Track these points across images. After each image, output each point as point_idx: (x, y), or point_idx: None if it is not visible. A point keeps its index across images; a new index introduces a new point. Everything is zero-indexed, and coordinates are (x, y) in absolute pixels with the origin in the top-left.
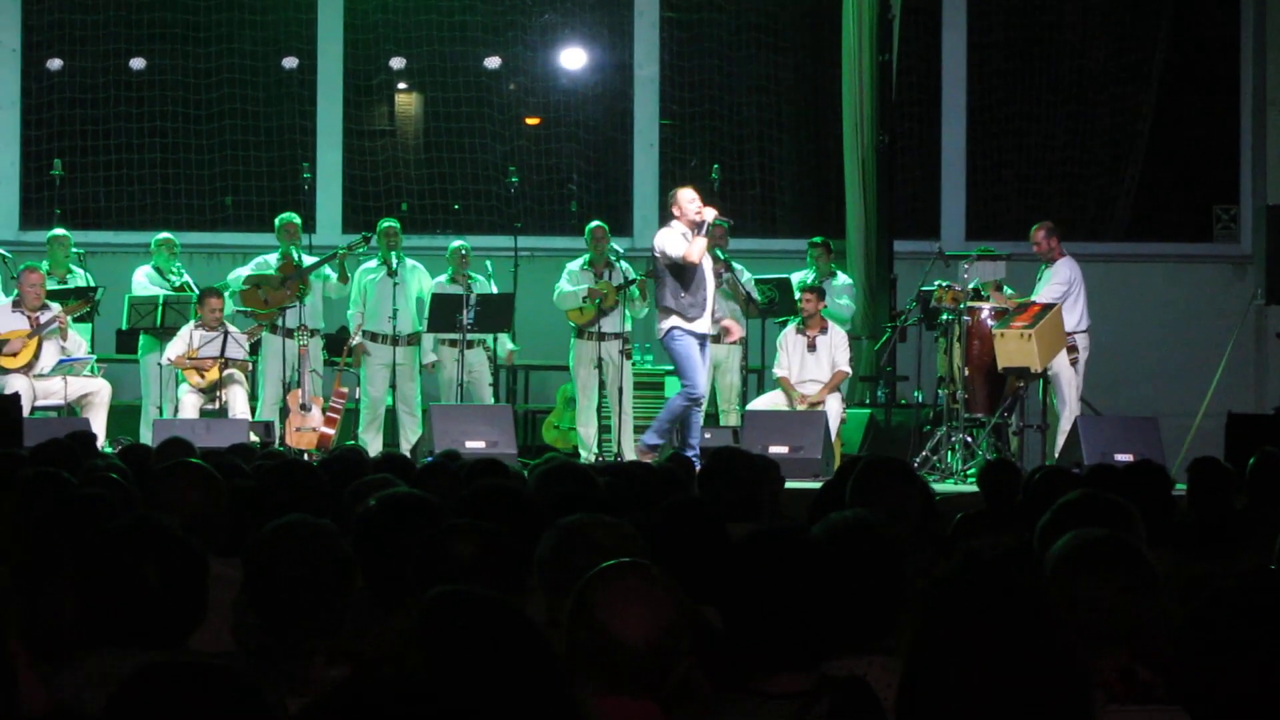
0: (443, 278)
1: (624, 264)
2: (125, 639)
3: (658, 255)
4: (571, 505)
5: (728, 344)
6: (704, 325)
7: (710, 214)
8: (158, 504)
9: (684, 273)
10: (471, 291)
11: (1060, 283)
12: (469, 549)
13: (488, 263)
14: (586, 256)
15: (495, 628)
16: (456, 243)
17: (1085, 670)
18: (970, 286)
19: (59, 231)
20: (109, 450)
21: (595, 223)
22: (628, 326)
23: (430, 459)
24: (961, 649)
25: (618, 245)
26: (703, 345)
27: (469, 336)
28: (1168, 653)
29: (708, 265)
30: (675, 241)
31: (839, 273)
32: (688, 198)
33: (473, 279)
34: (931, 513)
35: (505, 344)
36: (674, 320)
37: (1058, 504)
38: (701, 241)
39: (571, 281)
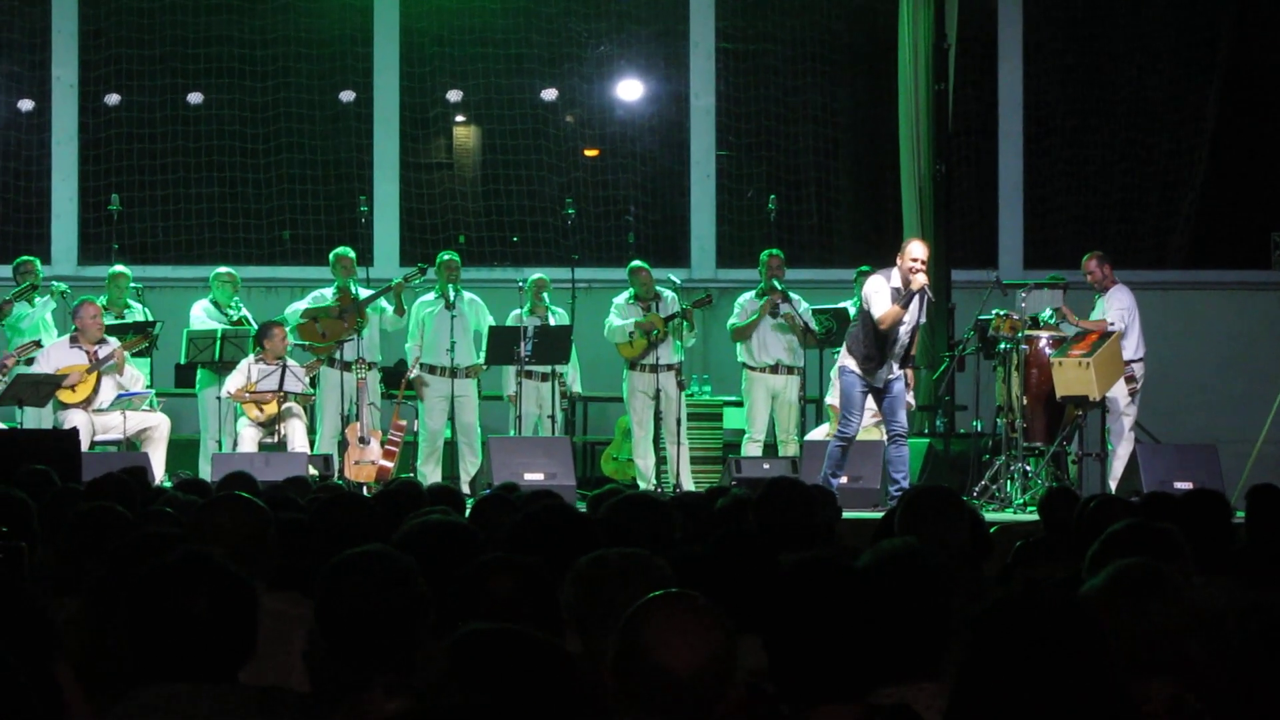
0: (520, 310)
1: (670, 294)
2: (175, 672)
3: (865, 296)
4: (638, 538)
5: (784, 376)
6: (877, 379)
7: (920, 280)
8: (204, 537)
9: (875, 325)
10: (546, 321)
11: (1121, 308)
12: (506, 584)
13: (545, 295)
14: (632, 290)
15: (526, 663)
16: (536, 274)
17: (1130, 699)
18: (1035, 315)
19: (119, 268)
20: (167, 484)
21: (635, 263)
22: (680, 357)
23: (488, 491)
24: (1008, 677)
25: (675, 276)
26: (881, 392)
27: (541, 369)
28: (1217, 681)
29: (905, 324)
30: (880, 299)
31: None
32: (912, 253)
33: (551, 310)
34: (983, 540)
35: (575, 377)
36: (848, 360)
37: (1105, 533)
38: (898, 311)
39: (619, 315)
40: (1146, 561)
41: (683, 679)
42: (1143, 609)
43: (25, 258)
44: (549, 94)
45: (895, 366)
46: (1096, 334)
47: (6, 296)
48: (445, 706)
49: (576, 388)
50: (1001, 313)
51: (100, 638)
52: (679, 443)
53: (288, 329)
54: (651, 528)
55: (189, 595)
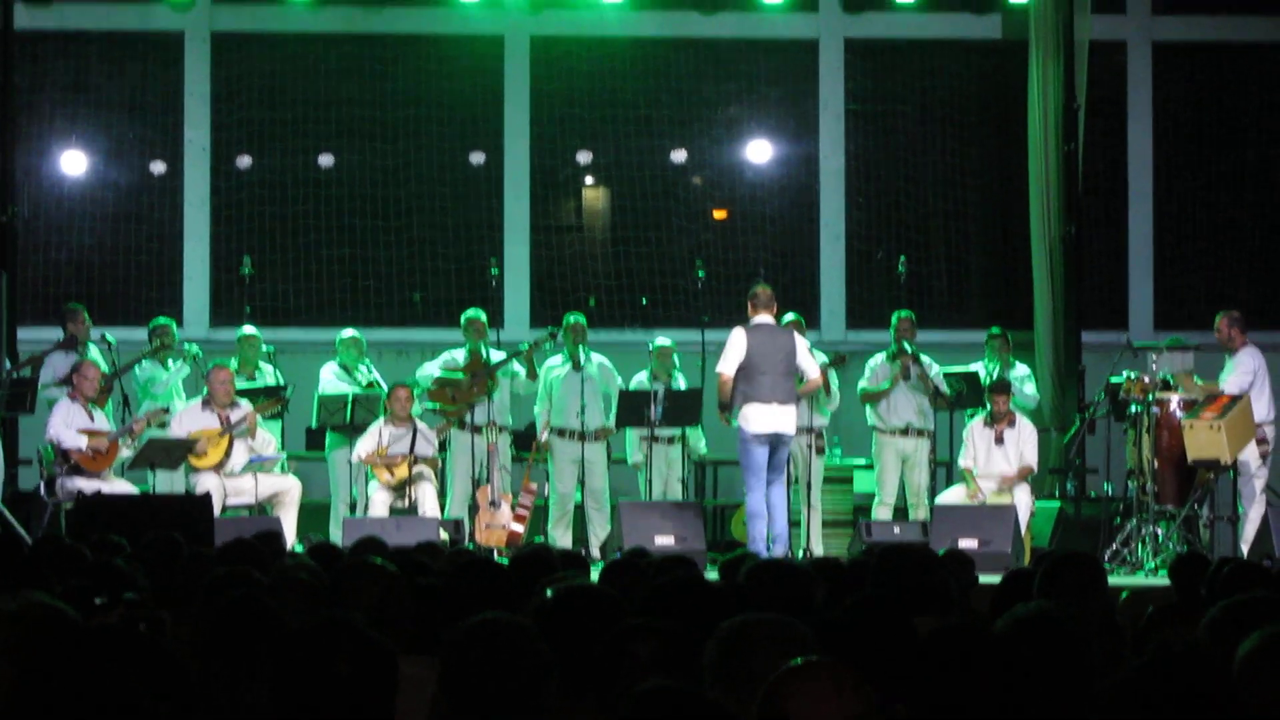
0: (643, 374)
1: (818, 352)
2: None
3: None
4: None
5: (915, 439)
6: None
7: None
8: (342, 601)
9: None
10: (670, 386)
11: (1245, 372)
12: (648, 648)
13: (675, 356)
14: None
15: None
16: (663, 340)
17: None
18: (1159, 377)
19: (250, 331)
20: (299, 549)
21: None
22: (819, 420)
23: (618, 556)
24: None
25: (806, 338)
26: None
27: (668, 432)
28: None
29: None
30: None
31: (1016, 363)
32: None
33: (674, 374)
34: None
35: (700, 441)
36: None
37: (1230, 602)
38: None
39: None
40: None
41: None
42: None
43: (162, 320)
44: (678, 155)
45: None
46: (1227, 396)
47: (139, 355)
48: None
49: (702, 449)
50: (1132, 375)
51: (235, 701)
52: (809, 505)
53: (417, 391)
54: (792, 595)
55: (331, 660)
